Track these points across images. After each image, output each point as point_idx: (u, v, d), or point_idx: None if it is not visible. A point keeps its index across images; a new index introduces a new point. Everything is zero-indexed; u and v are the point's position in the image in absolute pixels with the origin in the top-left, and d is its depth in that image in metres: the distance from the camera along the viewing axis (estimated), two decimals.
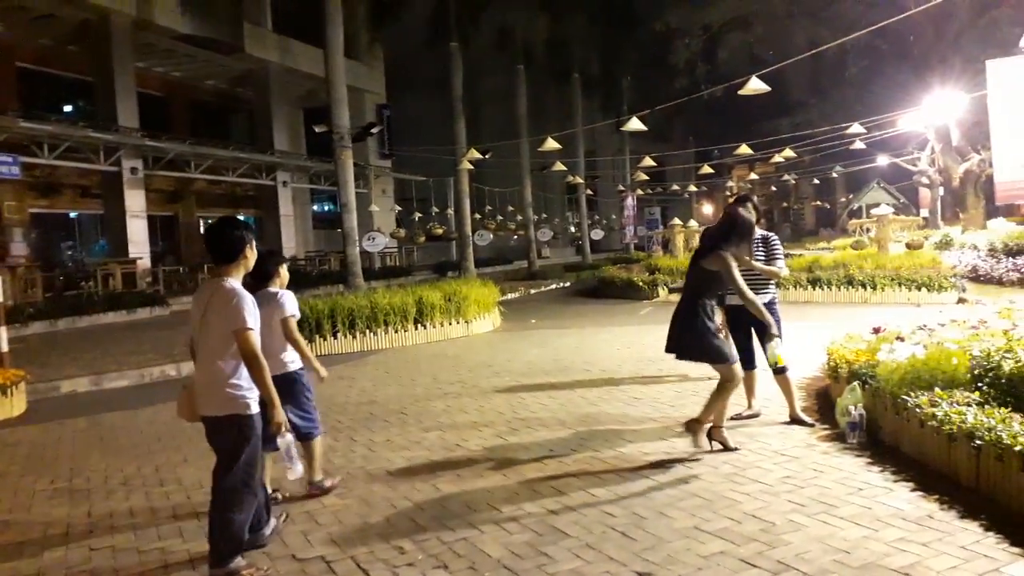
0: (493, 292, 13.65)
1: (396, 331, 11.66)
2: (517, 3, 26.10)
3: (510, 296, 19.00)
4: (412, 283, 17.00)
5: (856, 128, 19.25)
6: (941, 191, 27.07)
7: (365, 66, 30.52)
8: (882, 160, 31.84)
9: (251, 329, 3.54)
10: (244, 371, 3.59)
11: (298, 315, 4.69)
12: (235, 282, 3.66)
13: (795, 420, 5.64)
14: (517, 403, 7.06)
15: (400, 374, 9.19)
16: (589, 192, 38.68)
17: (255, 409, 3.64)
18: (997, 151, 17.12)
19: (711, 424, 5.07)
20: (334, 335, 11.33)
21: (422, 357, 10.49)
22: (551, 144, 17.26)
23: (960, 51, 23.05)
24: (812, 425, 5.56)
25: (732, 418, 5.87)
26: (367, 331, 11.47)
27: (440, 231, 30.09)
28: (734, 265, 4.89)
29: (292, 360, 4.65)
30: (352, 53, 27.57)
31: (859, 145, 23.77)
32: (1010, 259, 13.67)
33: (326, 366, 9.60)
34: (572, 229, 43.49)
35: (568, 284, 23.72)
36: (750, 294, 4.96)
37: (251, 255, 3.77)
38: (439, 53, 24.01)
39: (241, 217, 32.48)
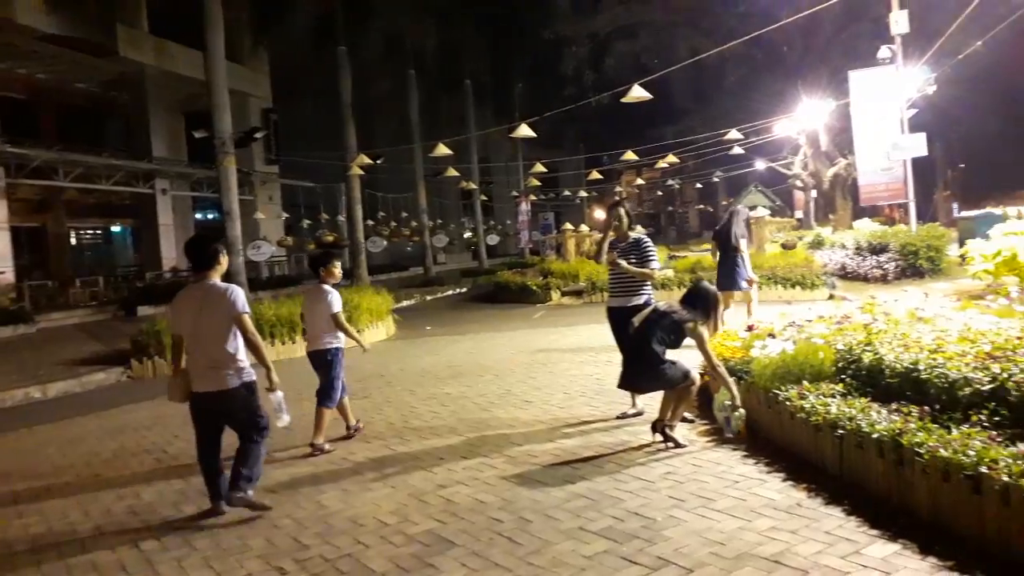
0: (387, 300, 13.47)
1: (283, 343, 11.31)
2: (406, 9, 25.94)
3: (405, 303, 18.82)
4: (302, 293, 16.53)
5: (734, 134, 20.14)
6: (814, 193, 28.72)
7: (249, 69, 29.53)
8: (759, 165, 33.53)
9: (248, 313, 4.47)
10: (243, 348, 4.48)
11: (341, 309, 5.98)
12: (218, 281, 4.53)
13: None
14: (408, 412, 6.97)
15: (286, 388, 8.84)
16: (484, 198, 38.86)
17: (253, 376, 4.51)
18: (860, 156, 18.31)
19: (667, 423, 5.16)
20: None
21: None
22: (443, 149, 17.21)
23: (827, 62, 24.55)
24: (691, 421, 5.76)
25: (617, 417, 6.02)
26: None
27: (331, 238, 29.49)
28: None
29: (329, 342, 5.94)
30: (236, 56, 26.62)
31: (738, 151, 24.89)
32: (874, 257, 14.64)
33: None
34: (468, 234, 43.57)
35: (465, 289, 23.72)
36: None
37: (224, 262, 4.62)
38: (327, 57, 23.54)
39: (117, 228, 30.89)
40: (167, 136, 27.49)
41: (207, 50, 15.14)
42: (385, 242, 29.57)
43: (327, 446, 5.80)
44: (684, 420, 5.75)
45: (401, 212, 36.43)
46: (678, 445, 5.11)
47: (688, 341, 5.19)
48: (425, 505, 4.45)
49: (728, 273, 8.94)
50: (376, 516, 4.35)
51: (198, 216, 32.91)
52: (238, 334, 4.45)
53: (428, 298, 21.31)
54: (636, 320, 5.33)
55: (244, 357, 4.51)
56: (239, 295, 4.47)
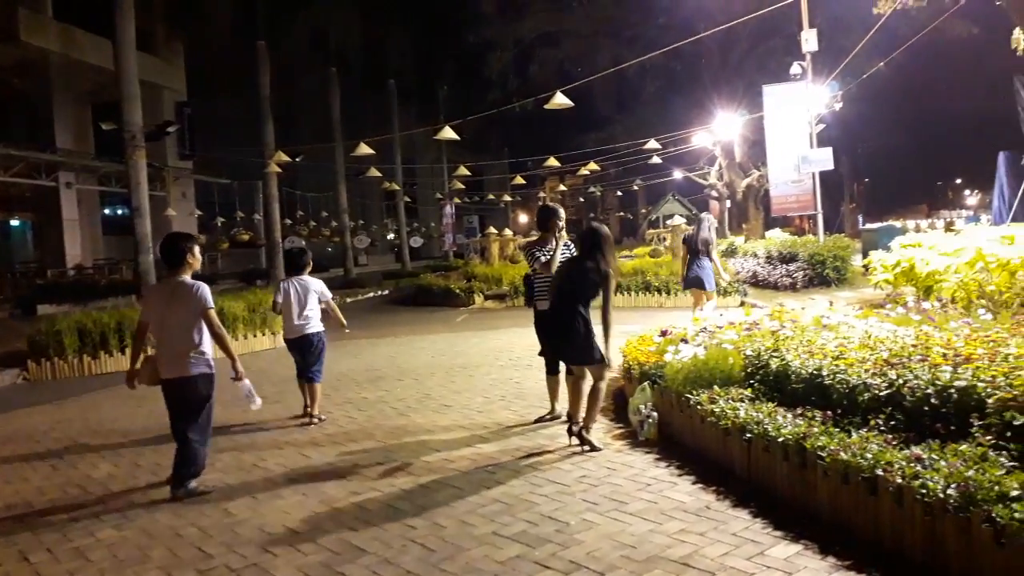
0: None
1: None
2: (330, 5, 25.52)
3: None
4: (215, 293, 16.01)
5: (652, 144, 20.60)
6: (728, 203, 29.64)
7: (164, 61, 28.45)
8: (677, 174, 34.38)
9: (213, 308, 4.88)
10: (208, 341, 4.88)
11: (329, 293, 7.00)
12: (189, 278, 4.88)
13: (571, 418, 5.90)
14: (324, 417, 6.81)
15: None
16: (408, 199, 38.54)
17: (214, 369, 4.91)
18: (772, 168, 19.00)
19: (583, 425, 5.20)
20: (121, 351, 10.39)
21: (223, 373, 9.84)
22: (364, 149, 16.97)
23: (742, 76, 25.42)
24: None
25: (535, 421, 6.04)
26: None
27: (246, 237, 28.65)
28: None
29: (313, 326, 6.79)
30: (149, 47, 25.60)
31: (656, 160, 25.47)
32: (784, 266, 15.19)
33: (113, 384, 8.78)
34: (391, 236, 43.12)
35: (387, 292, 23.43)
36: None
37: (194, 260, 4.96)
38: (247, 51, 22.89)
39: (16, 222, 29.17)
40: (73, 127, 26.17)
41: (116, 38, 14.49)
42: (303, 242, 28.89)
43: (323, 416, 6.77)
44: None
45: (321, 212, 35.74)
46: (594, 448, 5.16)
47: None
48: (337, 512, 4.35)
49: (697, 273, 9.84)
50: (286, 524, 4.22)
51: (106, 211, 31.51)
52: (203, 328, 4.88)
53: (348, 300, 20.93)
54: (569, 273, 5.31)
55: (208, 349, 4.94)
56: (205, 291, 4.85)
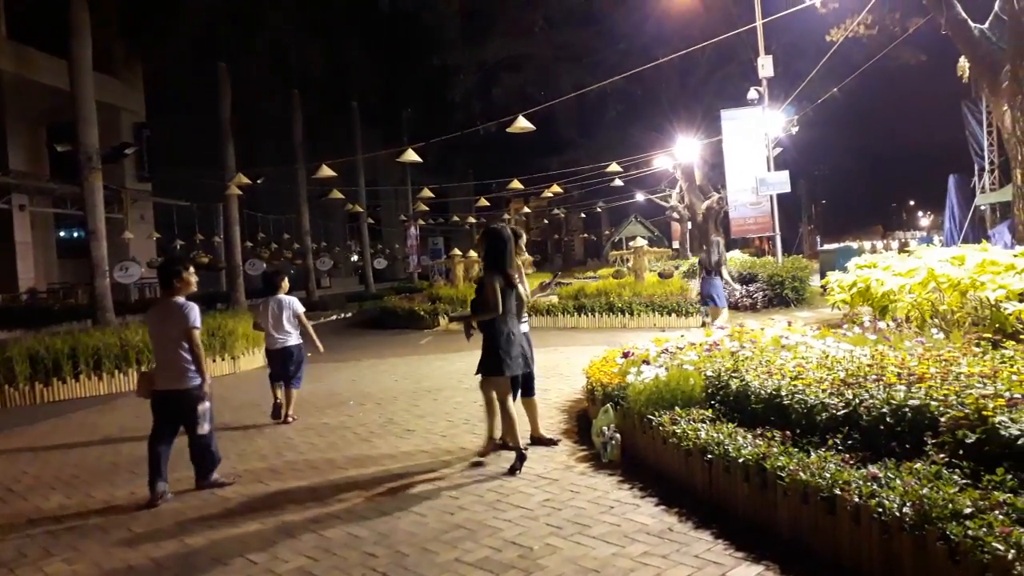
0: None
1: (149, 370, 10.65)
2: (292, 26, 25.41)
3: None
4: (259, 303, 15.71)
5: (614, 167, 20.84)
6: (689, 225, 30.05)
7: (122, 82, 28.03)
8: (639, 196, 34.82)
9: (198, 328, 5.25)
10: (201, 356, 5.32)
11: (302, 309, 7.82)
12: (180, 299, 5.32)
13: (537, 440, 5.95)
14: (283, 444, 6.70)
15: (152, 418, 8.35)
16: (371, 221, 38.35)
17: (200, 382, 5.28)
18: (731, 190, 19.34)
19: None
20: (76, 377, 10.12)
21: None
22: (326, 171, 16.88)
23: (701, 100, 25.92)
24: (555, 443, 5.91)
25: (499, 441, 6.01)
26: (116, 371, 10.38)
27: (206, 260, 28.19)
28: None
29: (292, 340, 7.67)
30: (107, 67, 25.21)
31: (619, 182, 25.77)
32: (744, 286, 15.42)
33: (66, 413, 8.58)
34: (355, 258, 42.83)
35: (350, 315, 23.21)
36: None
37: (183, 282, 5.36)
38: (208, 72, 22.67)
39: None
40: (27, 148, 25.63)
41: (72, 59, 14.29)
42: (264, 265, 28.56)
43: (293, 417, 7.64)
44: (546, 443, 5.86)
45: (283, 234, 35.39)
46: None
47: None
48: (296, 542, 4.26)
49: (710, 291, 11.82)
50: (243, 554, 4.12)
51: (61, 234, 30.79)
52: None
53: (311, 323, 20.68)
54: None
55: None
56: (192, 312, 5.28)
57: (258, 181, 20.57)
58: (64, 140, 16.38)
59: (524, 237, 6.27)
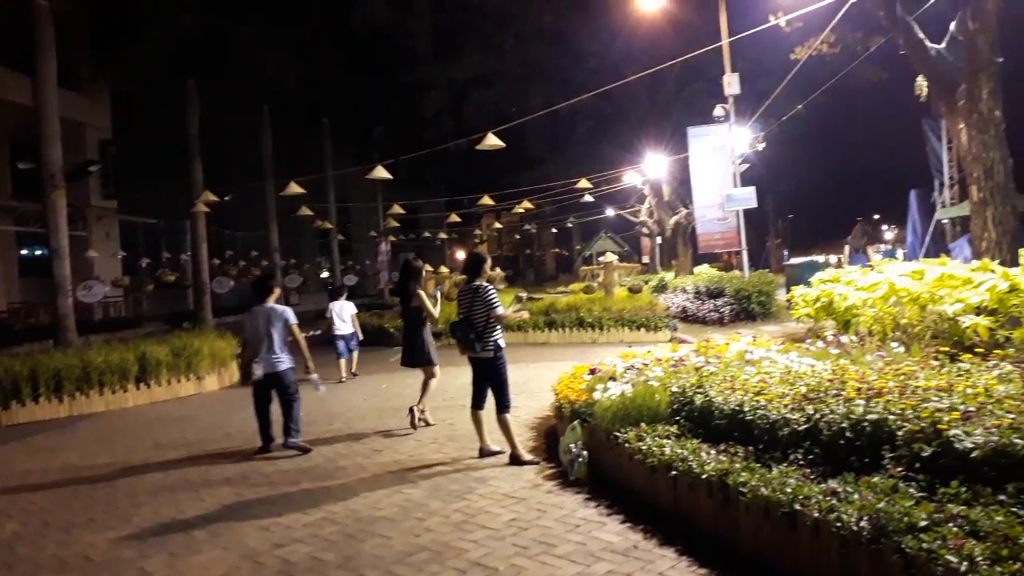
0: (231, 344, 12.80)
1: (114, 392, 10.46)
2: (262, 43, 25.34)
3: None
4: (138, 336, 15.46)
5: (584, 183, 20.98)
6: (659, 240, 30.30)
7: (88, 98, 27.61)
8: (610, 212, 35.05)
9: (297, 323, 7.10)
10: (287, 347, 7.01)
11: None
12: (274, 303, 7.10)
13: (515, 460, 5.91)
14: (248, 466, 6.60)
15: (115, 441, 8.21)
16: (342, 237, 38.14)
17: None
18: (698, 206, 19.57)
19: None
20: (35, 399, 9.90)
21: (144, 420, 9.51)
22: (295, 188, 16.78)
23: (669, 117, 26.22)
24: (536, 463, 5.85)
25: (481, 454, 6.07)
26: (77, 393, 10.17)
27: (172, 278, 27.75)
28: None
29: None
30: (73, 83, 24.85)
31: (589, 198, 25.93)
32: (711, 301, 15.57)
33: (25, 436, 8.39)
34: (325, 274, 42.51)
35: (319, 332, 22.96)
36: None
37: (276, 291, 7.25)
38: (176, 88, 22.46)
39: None
40: None
41: (36, 76, 14.05)
42: (232, 282, 28.18)
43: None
44: (531, 463, 5.86)
45: (252, 251, 35.03)
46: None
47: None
48: (259, 567, 4.20)
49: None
50: None
51: (23, 252, 30.17)
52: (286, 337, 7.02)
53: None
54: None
55: (288, 353, 7.01)
56: (289, 312, 7.02)
57: (226, 198, 20.35)
58: (28, 158, 16.07)
59: (488, 260, 6.35)
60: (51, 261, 13.96)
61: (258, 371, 6.80)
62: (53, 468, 7.09)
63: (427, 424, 7.59)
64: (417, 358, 7.72)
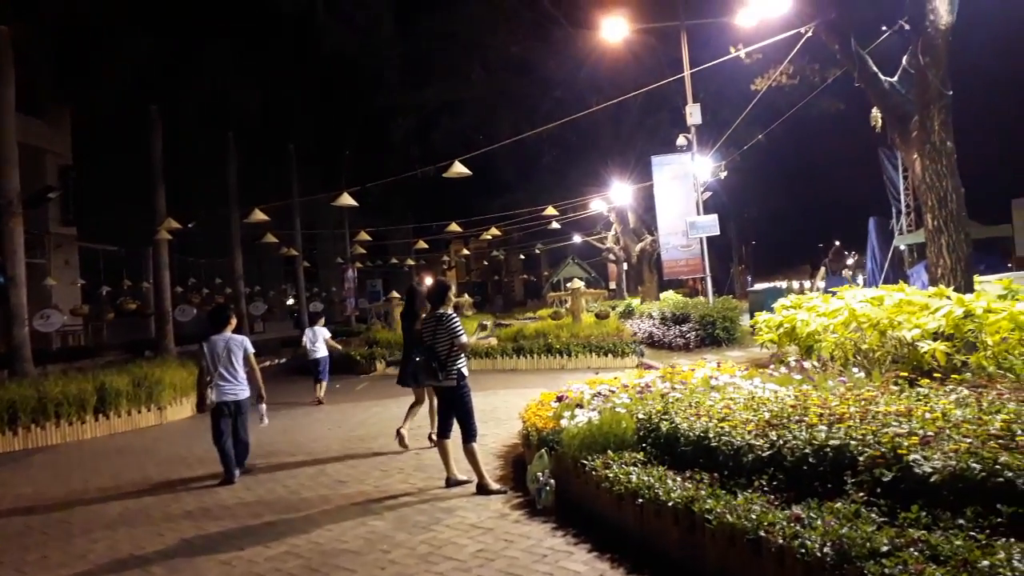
0: (194, 373, 12.58)
1: (71, 423, 10.19)
2: (227, 68, 25.22)
3: None
4: (98, 366, 15.11)
5: (551, 210, 21.13)
6: (625, 266, 30.56)
7: (47, 124, 27.21)
8: (576, 238, 35.31)
9: (253, 352, 7.22)
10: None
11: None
12: (230, 332, 7.14)
13: (483, 490, 5.87)
14: (209, 498, 6.46)
15: (71, 475, 7.99)
16: (307, 264, 37.82)
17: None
18: (663, 233, 19.80)
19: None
20: None
21: (103, 453, 9.27)
22: (259, 215, 16.64)
23: (633, 146, 26.59)
24: (504, 492, 5.82)
25: (449, 484, 6.01)
26: (33, 425, 9.89)
27: (133, 306, 27.23)
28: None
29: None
30: (32, 108, 24.47)
31: (556, 225, 26.11)
32: (677, 326, 15.70)
33: None
34: (291, 301, 42.07)
35: (284, 360, 22.74)
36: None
37: (234, 320, 7.29)
38: (138, 113, 22.22)
39: None
40: None
41: None
42: (195, 310, 27.75)
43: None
44: (498, 492, 5.83)
45: (215, 278, 34.59)
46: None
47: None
48: None
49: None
50: None
51: None
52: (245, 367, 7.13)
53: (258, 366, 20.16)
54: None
55: (247, 381, 7.12)
56: (247, 341, 7.11)
57: (189, 225, 20.11)
58: None
59: (453, 287, 6.43)
60: (7, 289, 13.63)
61: (212, 396, 6.86)
62: (5, 502, 6.87)
63: (403, 445, 7.73)
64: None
